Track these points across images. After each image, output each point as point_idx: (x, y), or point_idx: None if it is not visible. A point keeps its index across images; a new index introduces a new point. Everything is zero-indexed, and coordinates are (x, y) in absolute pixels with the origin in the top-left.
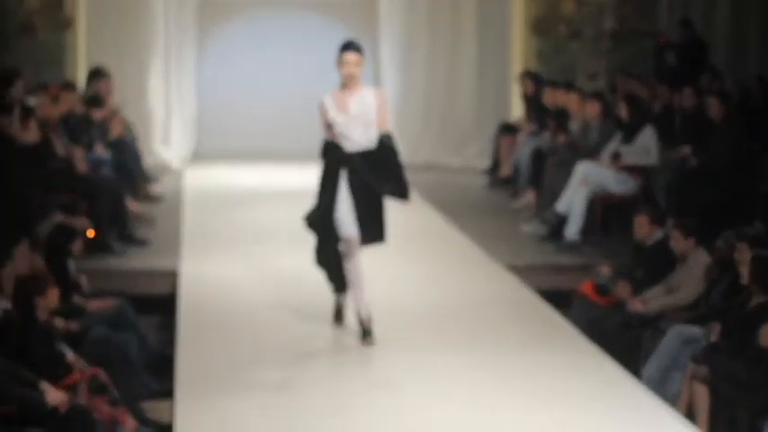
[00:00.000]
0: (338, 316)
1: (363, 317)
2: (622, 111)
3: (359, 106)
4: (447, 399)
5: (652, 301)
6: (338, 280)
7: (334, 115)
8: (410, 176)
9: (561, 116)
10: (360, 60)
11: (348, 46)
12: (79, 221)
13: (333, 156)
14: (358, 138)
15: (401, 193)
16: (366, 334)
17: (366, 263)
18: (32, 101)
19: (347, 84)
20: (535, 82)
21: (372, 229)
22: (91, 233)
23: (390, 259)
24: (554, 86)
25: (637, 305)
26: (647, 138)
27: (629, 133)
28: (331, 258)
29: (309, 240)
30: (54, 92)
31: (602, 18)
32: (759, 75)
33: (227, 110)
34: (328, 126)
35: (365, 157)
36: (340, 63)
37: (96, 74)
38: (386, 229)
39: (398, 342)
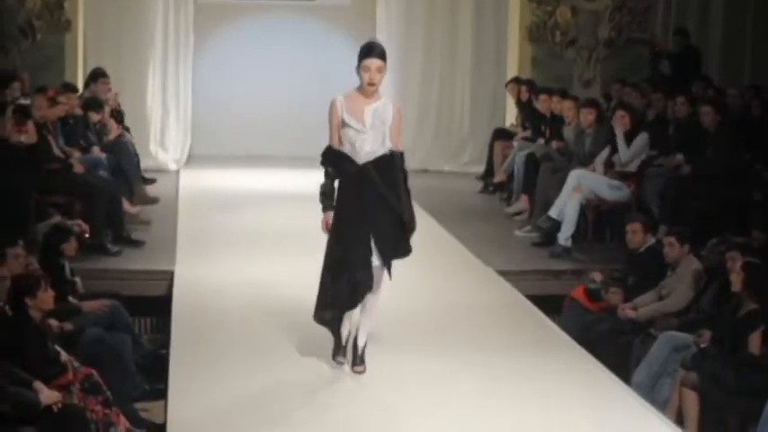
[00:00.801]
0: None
1: (360, 345)
2: (624, 119)
3: (375, 118)
4: (436, 403)
5: (643, 307)
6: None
7: (348, 119)
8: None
9: (556, 123)
10: (382, 67)
11: (371, 50)
12: (75, 223)
13: (347, 172)
14: (370, 150)
15: (411, 224)
16: (360, 361)
17: None
18: (26, 102)
19: (365, 91)
20: (530, 88)
21: (397, 244)
22: (85, 233)
23: None
24: (549, 93)
25: (628, 312)
26: (640, 143)
27: (627, 141)
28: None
29: (302, 243)
30: (51, 93)
31: (597, 26)
32: (753, 84)
33: (224, 112)
34: (336, 129)
35: (379, 166)
36: (361, 68)
37: (94, 76)
38: (409, 241)
39: (388, 345)
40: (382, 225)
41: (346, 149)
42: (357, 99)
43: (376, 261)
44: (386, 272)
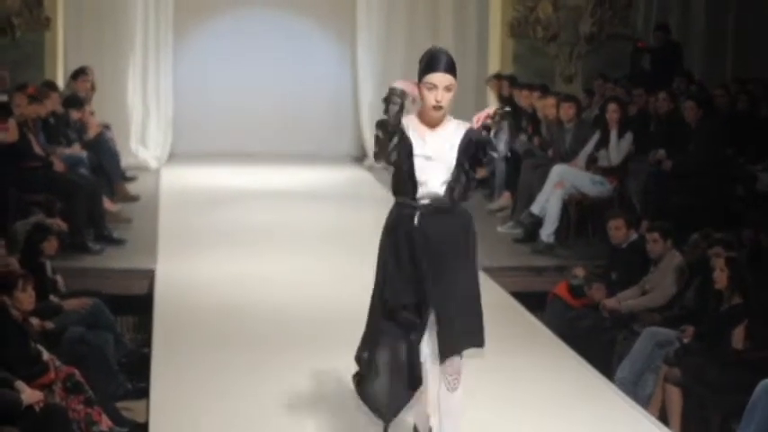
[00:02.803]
0: None
1: None
2: (614, 114)
3: (441, 146)
4: None
5: (626, 302)
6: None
7: (415, 145)
8: (387, 177)
9: (538, 118)
10: (453, 84)
11: (437, 63)
12: (54, 221)
13: (401, 215)
14: (436, 185)
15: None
16: None
17: (332, 263)
18: (5, 99)
19: (429, 115)
20: (511, 84)
21: (464, 327)
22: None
23: (363, 260)
24: (530, 89)
25: (611, 304)
26: (627, 144)
27: (619, 135)
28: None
29: (284, 241)
30: (31, 91)
31: (578, 22)
32: (737, 77)
33: (204, 110)
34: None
35: (447, 211)
36: (423, 85)
37: (75, 74)
38: (482, 323)
39: None
40: (441, 296)
41: (406, 184)
42: (418, 125)
43: (426, 349)
44: (456, 360)
